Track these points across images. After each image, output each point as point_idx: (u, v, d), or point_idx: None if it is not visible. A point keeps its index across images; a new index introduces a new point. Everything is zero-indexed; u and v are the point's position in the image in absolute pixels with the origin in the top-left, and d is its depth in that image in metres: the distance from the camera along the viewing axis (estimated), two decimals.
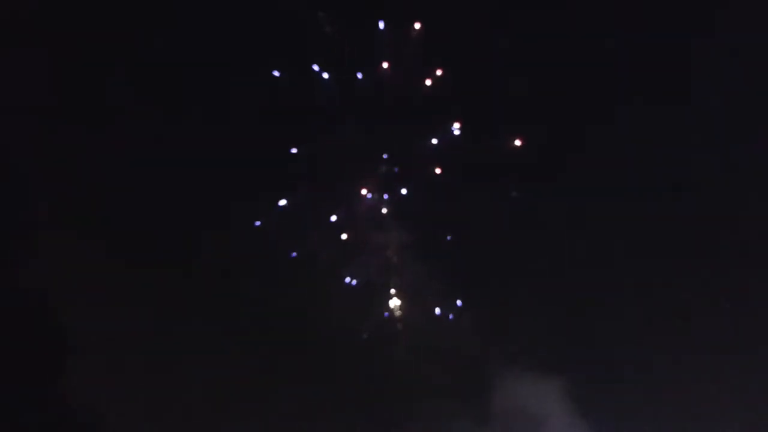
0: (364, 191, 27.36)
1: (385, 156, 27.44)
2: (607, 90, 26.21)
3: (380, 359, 26.99)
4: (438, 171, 27.02)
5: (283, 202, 26.90)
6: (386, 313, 27.47)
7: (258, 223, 26.69)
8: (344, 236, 27.12)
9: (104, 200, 25.50)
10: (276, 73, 26.23)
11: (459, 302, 27.29)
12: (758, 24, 25.43)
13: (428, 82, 26.72)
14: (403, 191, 27.47)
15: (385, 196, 27.60)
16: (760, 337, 25.22)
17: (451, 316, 27.32)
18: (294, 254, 26.64)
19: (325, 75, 26.48)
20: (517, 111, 26.03)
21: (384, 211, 27.53)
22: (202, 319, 25.95)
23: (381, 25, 26.25)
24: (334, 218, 27.07)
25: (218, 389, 25.86)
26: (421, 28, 26.46)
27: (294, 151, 26.48)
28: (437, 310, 27.27)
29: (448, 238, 27.13)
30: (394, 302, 27.52)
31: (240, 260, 26.34)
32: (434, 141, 27.19)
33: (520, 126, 26.45)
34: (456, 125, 26.87)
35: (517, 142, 26.59)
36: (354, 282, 27.08)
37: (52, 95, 24.76)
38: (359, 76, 26.64)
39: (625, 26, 25.87)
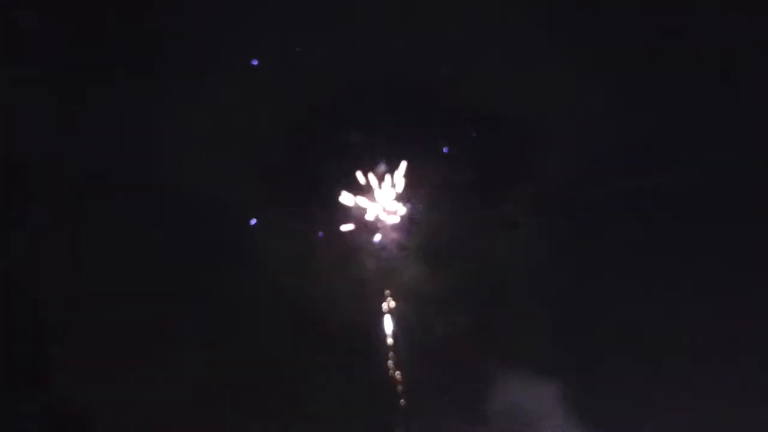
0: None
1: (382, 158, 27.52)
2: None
3: (376, 361, 26.92)
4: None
5: (253, 221, 27.20)
6: (382, 314, 27.41)
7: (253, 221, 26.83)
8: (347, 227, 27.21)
9: (98, 197, 25.63)
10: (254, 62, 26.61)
11: None
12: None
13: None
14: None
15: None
16: (759, 339, 25.01)
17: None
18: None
19: None
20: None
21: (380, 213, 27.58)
22: (197, 319, 25.95)
23: None
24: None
25: (212, 391, 25.79)
26: None
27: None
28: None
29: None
30: (389, 304, 27.42)
31: (234, 259, 26.37)
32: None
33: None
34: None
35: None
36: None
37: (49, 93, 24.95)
38: None
39: None
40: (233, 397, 25.68)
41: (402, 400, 26.74)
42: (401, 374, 27.07)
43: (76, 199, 24.94)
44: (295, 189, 26.94)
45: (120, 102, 25.38)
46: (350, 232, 27.43)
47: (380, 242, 27.69)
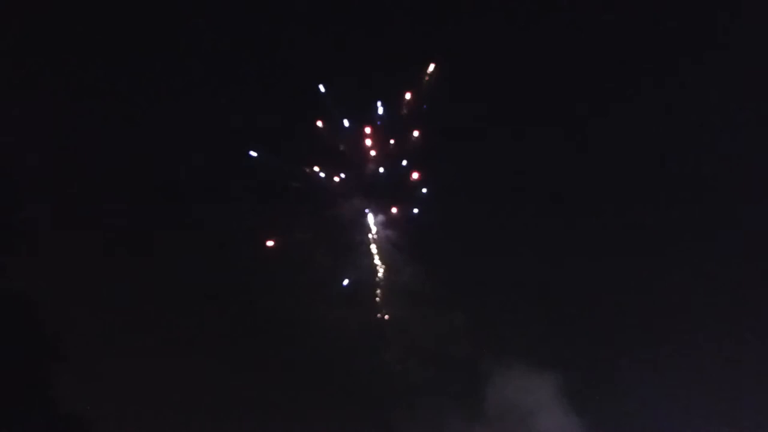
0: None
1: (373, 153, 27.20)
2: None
3: (374, 360, 26.91)
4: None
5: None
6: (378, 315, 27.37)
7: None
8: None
9: (96, 204, 25.22)
10: None
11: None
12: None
13: None
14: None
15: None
16: (748, 334, 25.56)
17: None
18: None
19: None
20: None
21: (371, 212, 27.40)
22: (193, 323, 25.75)
23: None
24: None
25: (210, 393, 25.56)
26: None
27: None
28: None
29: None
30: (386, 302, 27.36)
31: (229, 264, 26.13)
32: None
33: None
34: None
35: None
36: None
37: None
38: None
39: None
40: (233, 399, 25.60)
41: (401, 398, 26.84)
42: (399, 372, 27.12)
43: (74, 203, 24.50)
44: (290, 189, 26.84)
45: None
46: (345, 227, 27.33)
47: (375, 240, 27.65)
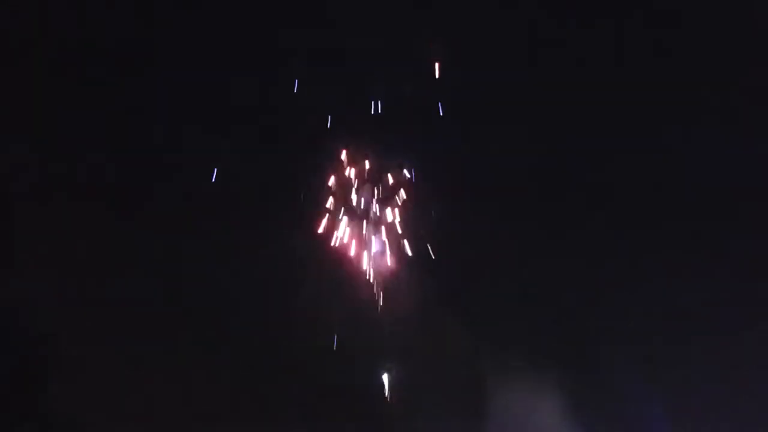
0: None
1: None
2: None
3: (372, 360, 26.79)
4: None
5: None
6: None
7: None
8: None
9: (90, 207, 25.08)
10: None
11: None
12: None
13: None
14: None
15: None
16: (748, 333, 25.39)
17: None
18: None
19: None
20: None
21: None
22: (190, 328, 25.56)
23: None
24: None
25: (204, 400, 25.44)
26: None
27: None
28: None
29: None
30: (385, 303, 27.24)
31: (226, 270, 25.95)
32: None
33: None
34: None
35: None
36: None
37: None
38: None
39: None
40: (230, 402, 25.55)
41: (400, 398, 26.76)
42: (399, 373, 27.01)
43: (69, 201, 24.47)
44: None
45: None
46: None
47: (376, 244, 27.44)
